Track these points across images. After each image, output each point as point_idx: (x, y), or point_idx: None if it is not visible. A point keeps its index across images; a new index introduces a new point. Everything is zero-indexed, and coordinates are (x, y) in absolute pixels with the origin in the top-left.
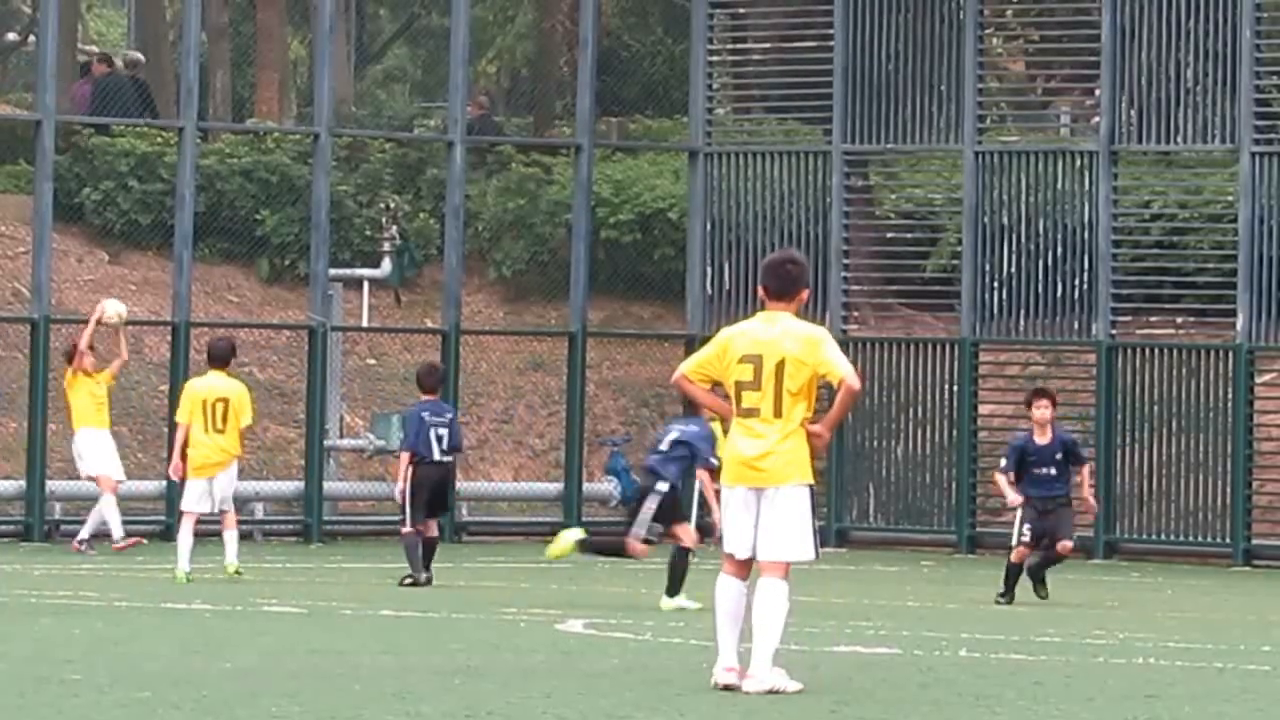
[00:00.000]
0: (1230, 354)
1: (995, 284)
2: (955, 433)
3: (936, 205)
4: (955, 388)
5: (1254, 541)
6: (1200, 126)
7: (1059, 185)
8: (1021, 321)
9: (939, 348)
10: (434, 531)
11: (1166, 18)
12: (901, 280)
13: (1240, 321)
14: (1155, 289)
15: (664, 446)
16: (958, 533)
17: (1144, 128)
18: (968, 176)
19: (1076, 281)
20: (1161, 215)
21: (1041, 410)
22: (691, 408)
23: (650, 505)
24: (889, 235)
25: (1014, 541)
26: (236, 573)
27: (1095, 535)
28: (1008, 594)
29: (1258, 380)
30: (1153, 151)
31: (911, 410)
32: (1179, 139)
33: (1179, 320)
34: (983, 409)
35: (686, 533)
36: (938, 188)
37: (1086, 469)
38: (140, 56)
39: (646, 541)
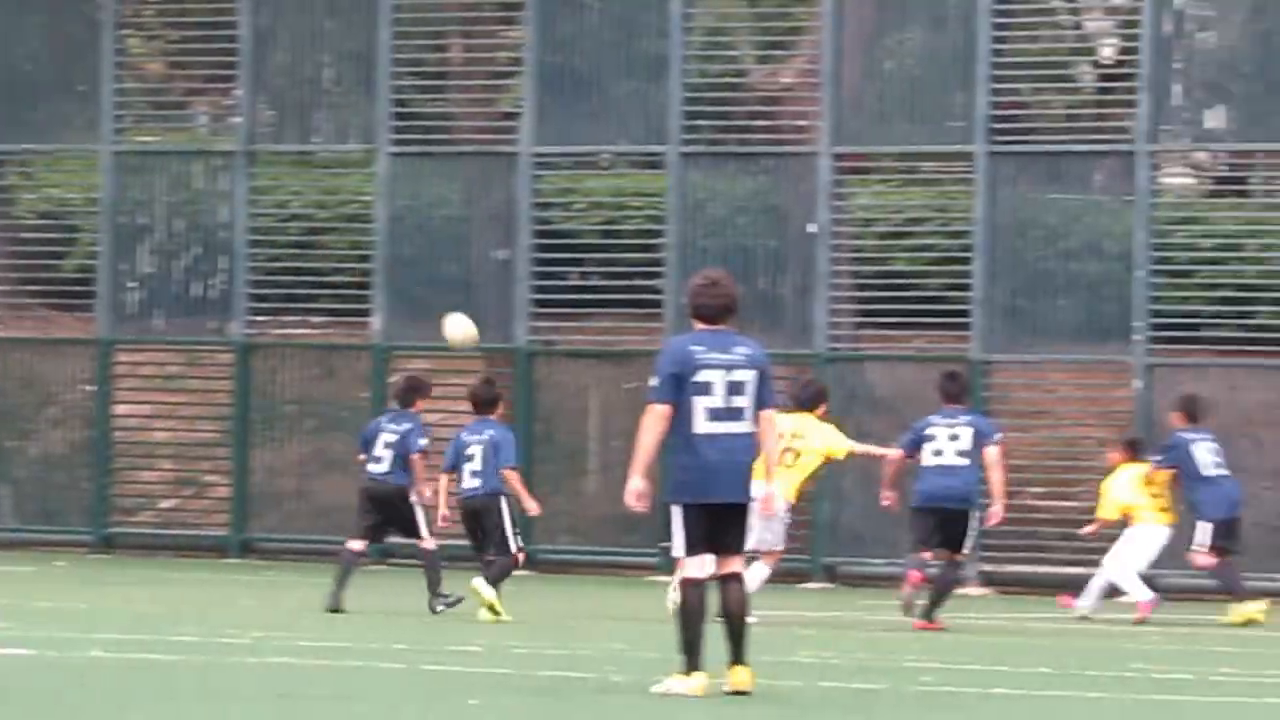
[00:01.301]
0: (367, 353)
1: (133, 284)
2: (92, 433)
3: (74, 205)
4: (93, 388)
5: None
6: (339, 127)
7: (197, 185)
8: (159, 321)
9: (75, 348)
10: None
11: (305, 19)
12: (39, 280)
13: (376, 321)
14: (293, 289)
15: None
16: (93, 532)
17: (283, 128)
18: (105, 176)
19: (214, 281)
20: (300, 215)
21: None
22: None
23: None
24: (26, 235)
25: None
26: None
27: (231, 534)
28: None
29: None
30: (291, 152)
31: (48, 410)
32: (317, 139)
33: (314, 320)
34: (119, 409)
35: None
36: (76, 187)
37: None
38: None
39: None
